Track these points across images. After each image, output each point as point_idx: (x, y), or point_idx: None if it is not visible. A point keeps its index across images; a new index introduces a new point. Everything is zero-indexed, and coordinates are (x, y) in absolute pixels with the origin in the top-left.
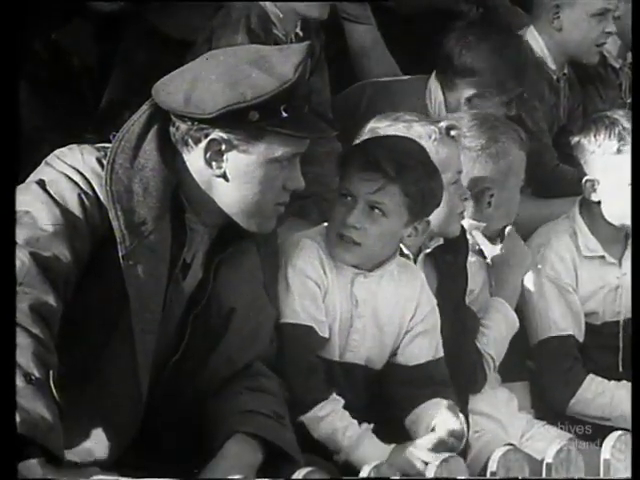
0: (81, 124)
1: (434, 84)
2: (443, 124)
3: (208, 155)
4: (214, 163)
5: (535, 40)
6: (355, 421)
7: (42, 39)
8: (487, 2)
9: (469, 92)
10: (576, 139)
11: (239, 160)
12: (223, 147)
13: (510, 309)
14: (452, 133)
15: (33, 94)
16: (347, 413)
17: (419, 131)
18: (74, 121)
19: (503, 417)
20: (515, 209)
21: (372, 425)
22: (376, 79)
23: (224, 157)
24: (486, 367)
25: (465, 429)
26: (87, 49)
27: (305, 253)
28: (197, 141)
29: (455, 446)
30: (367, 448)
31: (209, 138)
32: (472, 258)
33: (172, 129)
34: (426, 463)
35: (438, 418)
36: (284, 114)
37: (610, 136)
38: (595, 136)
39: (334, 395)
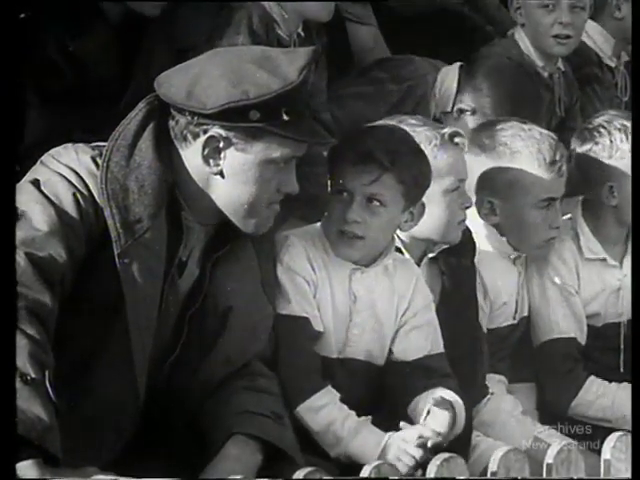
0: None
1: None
2: (447, 130)
3: (206, 152)
4: (211, 160)
5: (522, 39)
6: (353, 412)
7: (57, 47)
8: (477, 2)
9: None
10: (587, 147)
11: (236, 158)
12: (221, 144)
13: None
14: (456, 140)
15: (46, 103)
16: (345, 405)
17: (421, 135)
18: (91, 127)
19: (506, 424)
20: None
21: (370, 417)
22: None
23: (222, 154)
24: None
25: (451, 425)
26: (104, 58)
27: (292, 250)
28: (196, 136)
29: (440, 443)
30: (366, 438)
31: (208, 134)
32: (501, 262)
33: (171, 123)
34: (414, 457)
35: (430, 410)
36: (285, 117)
37: (627, 139)
38: (611, 141)
39: (329, 387)
